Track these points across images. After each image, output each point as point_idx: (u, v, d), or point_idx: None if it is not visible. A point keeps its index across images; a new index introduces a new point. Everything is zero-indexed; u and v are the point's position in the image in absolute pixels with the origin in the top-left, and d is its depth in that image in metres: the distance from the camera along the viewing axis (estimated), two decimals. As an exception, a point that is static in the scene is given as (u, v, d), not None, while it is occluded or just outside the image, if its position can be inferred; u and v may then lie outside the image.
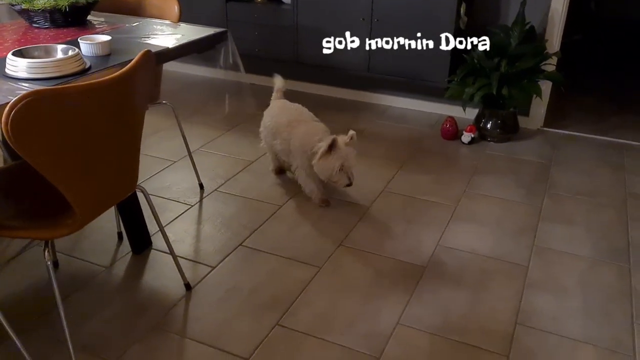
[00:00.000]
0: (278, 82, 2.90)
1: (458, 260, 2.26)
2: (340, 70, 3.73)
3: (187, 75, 4.46)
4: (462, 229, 2.47)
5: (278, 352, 1.78)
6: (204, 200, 2.66)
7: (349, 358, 1.77)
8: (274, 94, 2.91)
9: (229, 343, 1.81)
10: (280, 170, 2.88)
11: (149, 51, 1.59)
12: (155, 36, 2.10)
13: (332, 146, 2.36)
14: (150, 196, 1.98)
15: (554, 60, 3.27)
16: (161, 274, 2.13)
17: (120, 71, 1.46)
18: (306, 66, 3.84)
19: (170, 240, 2.27)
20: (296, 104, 2.82)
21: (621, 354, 1.80)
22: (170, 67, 4.49)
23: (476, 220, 2.55)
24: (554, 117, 3.72)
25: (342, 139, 2.39)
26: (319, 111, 3.76)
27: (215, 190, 2.75)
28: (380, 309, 1.98)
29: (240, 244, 2.33)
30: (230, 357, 1.75)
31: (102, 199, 1.64)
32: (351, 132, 2.39)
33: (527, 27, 3.17)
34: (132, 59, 1.52)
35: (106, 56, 1.86)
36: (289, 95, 4.15)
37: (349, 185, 2.45)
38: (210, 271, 2.16)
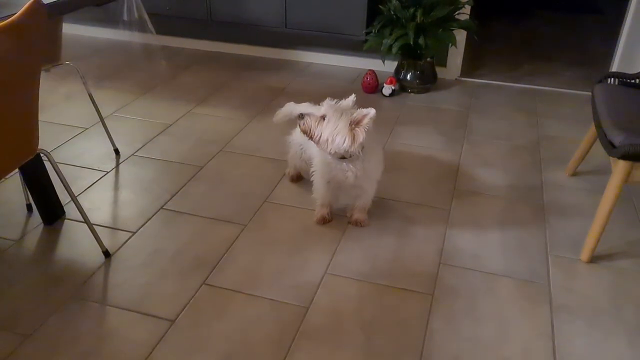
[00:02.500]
0: (290, 109, 2.33)
1: (383, 208, 2.29)
2: (257, 27, 3.63)
3: (94, 39, 4.19)
4: (385, 178, 2.48)
5: (206, 311, 1.74)
6: (120, 166, 2.54)
7: (278, 310, 1.76)
8: (302, 109, 2.25)
9: (154, 306, 1.75)
10: (298, 177, 2.47)
11: (38, 0, 1.45)
12: (48, -11, 1.94)
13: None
14: (59, 164, 1.86)
15: (467, 9, 3.32)
16: (77, 243, 2.03)
17: (6, 21, 1.33)
18: (221, 25, 3.71)
19: (85, 209, 2.17)
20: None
21: (537, 283, 1.89)
22: (76, 30, 4.22)
23: (399, 169, 2.58)
24: (470, 67, 3.80)
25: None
26: (239, 72, 3.68)
27: (133, 155, 2.63)
28: (308, 261, 1.98)
29: (162, 208, 2.25)
30: (155, 321, 1.70)
31: (-2, 163, 1.52)
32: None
33: (441, -24, 3.19)
34: (19, 9, 1.39)
35: (-9, 9, 1.69)
36: (206, 57, 4.02)
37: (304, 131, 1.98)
38: (131, 237, 2.07)
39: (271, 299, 1.80)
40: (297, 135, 2.30)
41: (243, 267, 1.94)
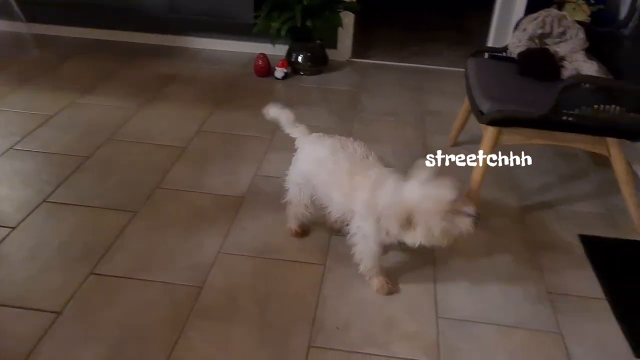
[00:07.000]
0: (281, 115, 1.94)
1: (276, 187, 2.29)
2: (141, 12, 3.52)
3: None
4: (278, 158, 2.52)
5: (94, 300, 1.69)
6: (-4, 160, 2.39)
7: (171, 292, 1.74)
8: (291, 130, 1.96)
9: (38, 300, 1.68)
10: (304, 232, 2.05)
11: None
12: None
13: (409, 219, 1.54)
14: None
15: (352, -9, 3.42)
16: (-52, 243, 1.90)
17: None
18: (103, 9, 3.56)
19: (-45, 206, 2.03)
20: (341, 138, 1.91)
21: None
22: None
23: (291, 149, 2.61)
24: (361, 48, 3.91)
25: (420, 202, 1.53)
26: (125, 60, 3.56)
27: (10, 148, 2.48)
28: (202, 242, 1.97)
29: (44, 200, 2.14)
30: (40, 314, 1.63)
31: None
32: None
33: (325, -41, 3.25)
34: None
35: None
36: (89, 45, 3.84)
37: (477, 220, 1.57)
38: (10, 232, 1.96)
39: (163, 282, 1.78)
40: (295, 173, 1.96)
41: (134, 253, 1.90)
